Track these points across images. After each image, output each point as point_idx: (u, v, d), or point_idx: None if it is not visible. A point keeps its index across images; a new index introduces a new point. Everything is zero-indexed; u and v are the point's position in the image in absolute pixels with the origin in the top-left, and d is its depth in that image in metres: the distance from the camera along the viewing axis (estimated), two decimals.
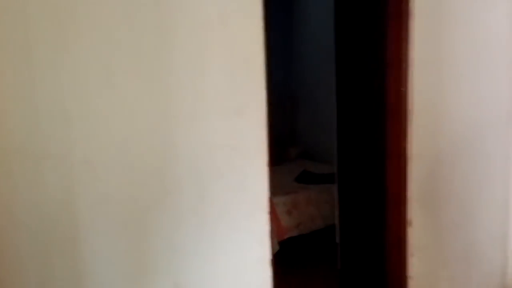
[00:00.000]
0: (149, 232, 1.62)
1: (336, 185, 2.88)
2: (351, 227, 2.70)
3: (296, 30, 4.80)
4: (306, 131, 4.82)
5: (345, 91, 2.66)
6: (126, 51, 1.51)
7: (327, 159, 4.13)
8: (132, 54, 1.53)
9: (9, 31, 1.35)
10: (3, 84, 1.36)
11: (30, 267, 1.45)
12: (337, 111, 2.75)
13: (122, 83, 1.52)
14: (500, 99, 2.51)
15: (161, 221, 1.63)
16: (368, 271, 2.57)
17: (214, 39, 1.68)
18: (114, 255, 1.56)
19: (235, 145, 1.81)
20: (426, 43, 2.23)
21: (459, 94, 2.37)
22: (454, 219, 2.44)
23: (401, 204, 2.27)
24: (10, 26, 1.35)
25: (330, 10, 2.73)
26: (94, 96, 1.48)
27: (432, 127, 2.31)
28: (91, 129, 1.48)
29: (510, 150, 2.55)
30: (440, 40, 2.28)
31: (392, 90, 2.26)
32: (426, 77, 2.25)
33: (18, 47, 1.36)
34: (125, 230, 1.57)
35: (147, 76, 1.56)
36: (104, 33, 1.48)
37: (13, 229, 1.42)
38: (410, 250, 2.32)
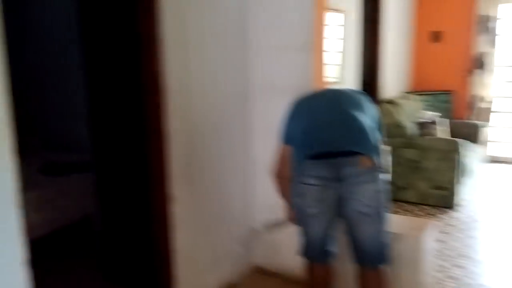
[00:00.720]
0: None
1: (92, 172, 2.71)
2: (115, 213, 2.60)
3: (37, 5, 4.22)
4: (48, 119, 4.35)
5: (97, 73, 2.50)
6: None
7: (75, 147, 3.85)
8: None
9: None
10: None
11: None
12: (89, 95, 2.57)
13: None
14: (238, 79, 2.81)
15: None
16: (135, 252, 2.53)
17: None
18: None
19: None
20: (177, 23, 2.29)
21: (207, 73, 2.54)
22: (210, 189, 2.64)
23: (164, 181, 2.31)
24: None
25: None
26: None
27: (187, 104, 2.41)
28: None
29: (247, 122, 2.90)
30: (189, 20, 2.38)
31: (146, 69, 2.24)
32: (178, 56, 2.31)
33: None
34: None
35: None
36: None
37: None
38: (175, 224, 2.39)
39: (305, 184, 2.04)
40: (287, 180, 2.24)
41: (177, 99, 2.33)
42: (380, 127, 2.19)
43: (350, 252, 2.18)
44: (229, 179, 2.80)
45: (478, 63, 5.75)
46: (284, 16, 2.69)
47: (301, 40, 2.61)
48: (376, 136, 2.08)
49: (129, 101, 2.36)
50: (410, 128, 4.69)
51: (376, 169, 2.00)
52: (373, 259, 2.13)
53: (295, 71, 2.66)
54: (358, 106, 2.15)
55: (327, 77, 3.01)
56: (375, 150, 2.02)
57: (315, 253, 2.23)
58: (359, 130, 2.03)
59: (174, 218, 2.39)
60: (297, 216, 2.20)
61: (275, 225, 2.68)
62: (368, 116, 2.14)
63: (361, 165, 1.97)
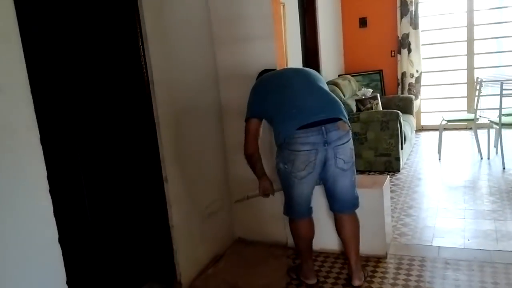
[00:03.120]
0: None
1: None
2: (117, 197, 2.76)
3: None
4: None
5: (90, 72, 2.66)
6: None
7: None
8: None
9: None
10: None
11: None
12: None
13: None
14: (209, 67, 3.10)
15: None
16: (138, 231, 2.72)
17: None
18: None
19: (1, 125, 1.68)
20: (157, 22, 2.54)
21: (183, 64, 2.80)
22: (196, 169, 2.91)
23: (157, 163, 2.56)
24: None
25: None
26: None
27: (169, 93, 2.66)
28: None
29: (220, 106, 3.20)
30: (165, 18, 2.63)
31: (135, 64, 2.46)
32: (159, 51, 2.56)
33: None
34: None
35: None
36: None
37: None
38: (169, 203, 2.65)
39: (296, 151, 2.32)
40: (257, 155, 2.58)
41: (161, 89, 2.58)
42: None
43: (329, 202, 2.58)
44: (209, 159, 3.09)
45: (403, 43, 6.41)
46: (245, 10, 3.01)
47: (264, 31, 2.95)
48: (342, 104, 2.47)
49: (123, 95, 2.56)
50: (352, 104, 5.21)
51: (350, 129, 2.42)
52: (350, 205, 2.55)
53: (262, 59, 2.98)
54: (320, 81, 2.55)
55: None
56: (346, 114, 2.42)
57: (301, 211, 2.58)
58: (332, 100, 2.43)
59: (168, 197, 2.65)
60: (284, 181, 2.51)
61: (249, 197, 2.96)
62: (328, 88, 2.54)
63: (341, 129, 2.35)
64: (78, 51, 2.37)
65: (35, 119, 1.82)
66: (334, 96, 2.48)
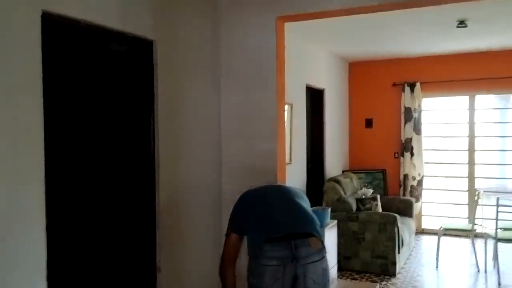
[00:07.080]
0: None
1: None
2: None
3: None
4: None
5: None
6: None
7: None
8: None
9: None
10: None
11: None
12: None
13: None
14: (214, 157, 3.30)
15: None
16: None
17: None
18: None
19: (15, 211, 1.85)
20: (171, 123, 2.79)
21: (192, 154, 3.00)
22: (189, 259, 2.99)
23: (150, 251, 2.67)
24: None
25: None
26: None
27: (174, 181, 2.84)
28: None
29: (220, 202, 3.34)
30: (180, 119, 2.88)
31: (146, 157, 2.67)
32: (169, 145, 2.79)
33: None
34: None
35: None
36: None
37: None
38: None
39: (264, 265, 2.27)
40: (230, 275, 2.48)
41: (165, 173, 2.76)
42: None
43: None
44: (204, 246, 3.18)
45: (406, 147, 6.65)
46: (252, 111, 3.27)
47: (267, 132, 3.18)
48: (318, 221, 2.49)
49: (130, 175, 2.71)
50: (352, 203, 5.32)
51: (324, 248, 2.36)
52: None
53: (264, 157, 3.18)
54: (299, 197, 2.60)
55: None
56: (321, 232, 2.42)
57: None
58: (307, 216, 2.45)
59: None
60: None
61: None
62: (307, 205, 2.58)
63: (312, 246, 2.30)
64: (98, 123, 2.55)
65: (44, 209, 1.99)
66: (311, 212, 2.50)
